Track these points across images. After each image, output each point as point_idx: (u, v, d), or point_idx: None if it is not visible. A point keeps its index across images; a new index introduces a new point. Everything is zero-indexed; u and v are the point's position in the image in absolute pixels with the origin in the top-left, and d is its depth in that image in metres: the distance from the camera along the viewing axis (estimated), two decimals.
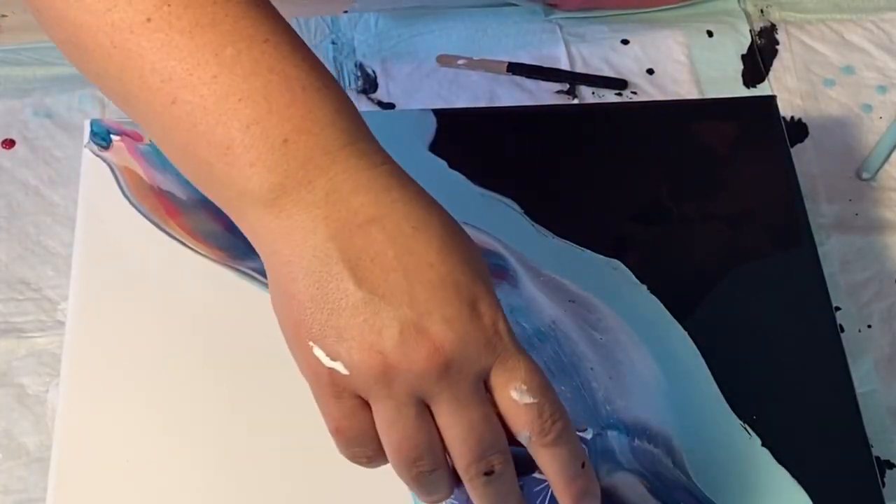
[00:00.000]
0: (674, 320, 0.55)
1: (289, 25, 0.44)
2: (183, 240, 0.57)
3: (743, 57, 0.82)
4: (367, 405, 0.40)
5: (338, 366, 0.39)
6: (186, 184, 0.58)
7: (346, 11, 0.82)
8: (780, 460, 0.52)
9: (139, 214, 0.57)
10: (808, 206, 0.60)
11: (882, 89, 0.81)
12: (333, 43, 0.81)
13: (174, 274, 0.56)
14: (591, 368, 0.54)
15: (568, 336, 0.55)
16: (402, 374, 0.38)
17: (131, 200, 0.58)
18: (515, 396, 0.40)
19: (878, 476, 0.53)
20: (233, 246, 0.56)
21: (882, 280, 0.73)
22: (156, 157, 0.59)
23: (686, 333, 0.55)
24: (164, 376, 0.53)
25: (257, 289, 0.56)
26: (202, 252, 0.56)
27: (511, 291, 0.56)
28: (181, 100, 0.40)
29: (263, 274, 0.55)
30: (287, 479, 0.51)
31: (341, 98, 0.42)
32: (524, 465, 0.42)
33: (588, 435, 0.52)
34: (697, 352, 0.55)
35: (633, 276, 0.57)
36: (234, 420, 0.52)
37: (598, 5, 0.82)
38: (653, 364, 0.54)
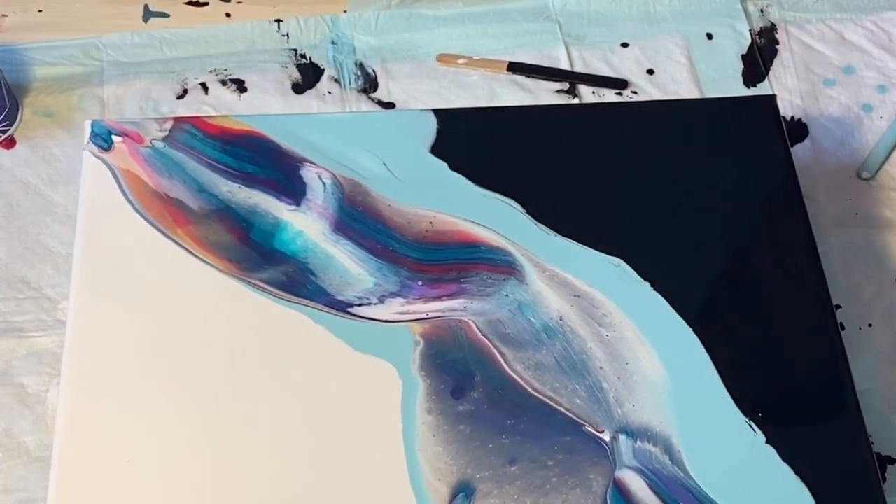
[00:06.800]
0: (678, 317, 0.55)
1: None
2: (189, 248, 0.56)
3: (743, 57, 0.82)
4: None
5: None
6: (198, 192, 0.59)
7: (345, 11, 0.83)
8: (782, 457, 0.52)
9: (141, 218, 0.57)
10: (808, 205, 0.61)
11: (882, 89, 0.81)
12: (333, 43, 0.81)
13: (176, 277, 0.56)
14: (601, 368, 0.54)
15: (576, 332, 0.55)
16: None
17: (134, 205, 0.58)
18: None
19: (879, 472, 0.54)
20: (245, 258, 0.56)
21: (882, 279, 0.73)
22: (159, 162, 0.59)
23: (691, 331, 0.55)
24: (165, 377, 0.53)
25: (265, 299, 0.55)
26: (209, 261, 0.56)
27: (518, 286, 0.56)
28: None
29: (272, 285, 0.56)
30: (287, 480, 0.51)
31: None
32: None
33: (607, 437, 0.52)
34: (703, 350, 0.55)
35: (635, 274, 0.57)
36: (234, 423, 0.52)
37: None
38: (658, 363, 0.54)
